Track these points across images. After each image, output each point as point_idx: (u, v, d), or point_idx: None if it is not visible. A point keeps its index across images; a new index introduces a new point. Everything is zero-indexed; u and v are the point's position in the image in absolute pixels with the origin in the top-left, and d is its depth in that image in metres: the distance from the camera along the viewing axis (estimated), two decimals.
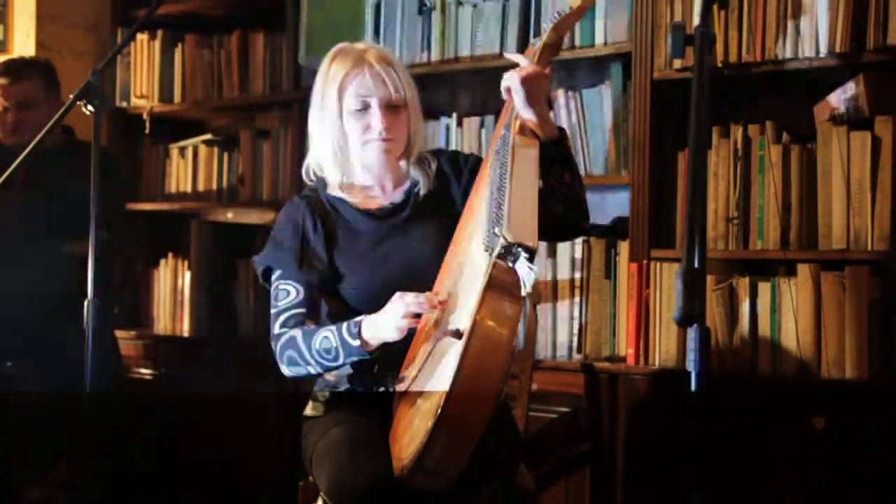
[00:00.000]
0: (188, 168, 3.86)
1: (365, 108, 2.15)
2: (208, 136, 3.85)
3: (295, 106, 3.54)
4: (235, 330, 3.65)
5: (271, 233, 2.27)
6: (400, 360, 2.09)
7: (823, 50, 2.55)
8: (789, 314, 2.56)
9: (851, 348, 2.49)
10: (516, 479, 2.10)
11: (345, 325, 2.06)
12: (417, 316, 1.97)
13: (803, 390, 2.52)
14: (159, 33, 3.86)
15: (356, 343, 2.03)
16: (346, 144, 2.18)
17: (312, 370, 2.14)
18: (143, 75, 3.89)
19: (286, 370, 2.16)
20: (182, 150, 3.89)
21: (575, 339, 2.94)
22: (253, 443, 3.41)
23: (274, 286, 2.21)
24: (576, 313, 2.94)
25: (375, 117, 2.15)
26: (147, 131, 3.86)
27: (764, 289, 2.62)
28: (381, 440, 2.02)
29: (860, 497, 2.42)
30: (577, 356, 2.92)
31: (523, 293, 1.77)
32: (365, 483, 1.93)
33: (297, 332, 2.12)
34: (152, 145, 3.95)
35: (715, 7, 2.67)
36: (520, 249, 1.77)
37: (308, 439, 2.21)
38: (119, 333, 3.57)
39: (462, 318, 1.82)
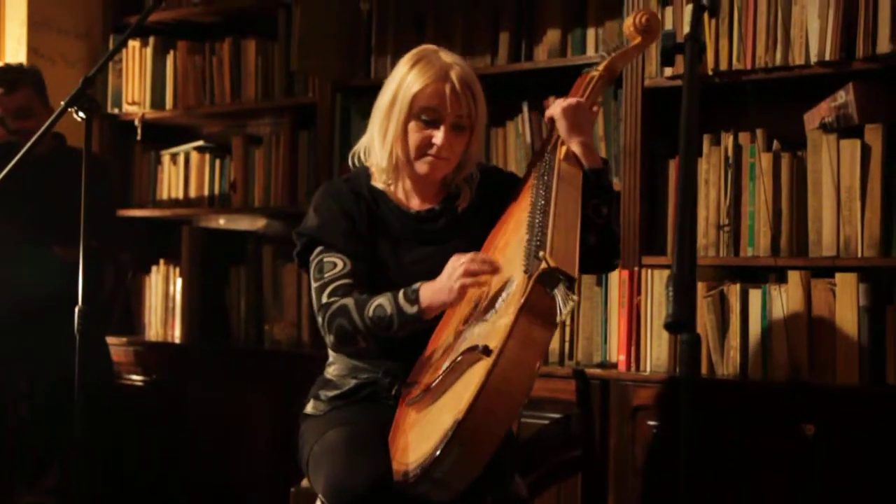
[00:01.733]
0: (180, 175, 3.86)
1: (432, 121, 2.13)
2: (200, 143, 3.85)
3: (287, 113, 3.54)
4: (227, 336, 3.65)
5: (312, 210, 2.22)
6: (407, 369, 2.10)
7: (814, 59, 2.56)
8: (780, 321, 2.57)
9: (841, 355, 2.50)
10: (509, 487, 2.11)
11: (401, 291, 2.03)
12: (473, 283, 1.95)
13: (793, 396, 2.53)
14: (151, 40, 3.86)
15: (414, 310, 2.00)
16: (401, 150, 2.16)
17: (362, 340, 2.09)
18: (135, 82, 3.89)
19: (332, 340, 2.10)
20: (174, 157, 3.89)
21: (567, 345, 2.94)
22: (244, 448, 3.40)
23: (318, 259, 2.16)
24: (567, 320, 2.94)
25: (439, 135, 2.12)
26: (139, 138, 3.86)
27: (755, 295, 2.63)
28: (380, 442, 2.00)
29: (850, 503, 2.42)
30: (568, 363, 2.93)
31: (558, 320, 1.76)
32: (364, 485, 1.92)
33: (348, 301, 2.07)
34: (144, 152, 3.95)
35: (706, 16, 2.67)
36: (560, 276, 1.75)
37: (305, 439, 2.19)
38: (110, 340, 3.56)
39: (490, 336, 1.82)
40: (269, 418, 3.32)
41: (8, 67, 3.42)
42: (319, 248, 2.17)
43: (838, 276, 2.52)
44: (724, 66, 2.67)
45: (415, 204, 2.24)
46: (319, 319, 2.11)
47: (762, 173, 2.63)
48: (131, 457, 3.55)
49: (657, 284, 2.73)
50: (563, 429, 2.79)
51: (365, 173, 2.26)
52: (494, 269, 1.95)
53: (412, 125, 2.13)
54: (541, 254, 1.80)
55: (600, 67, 2.23)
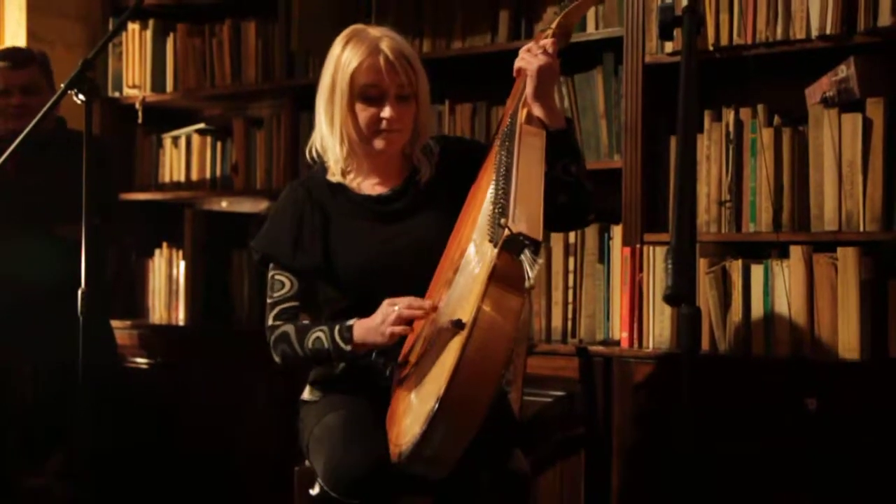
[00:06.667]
0: (182, 157, 3.86)
1: (376, 97, 2.14)
2: (201, 126, 3.85)
3: (288, 94, 3.53)
4: (231, 318, 3.66)
5: (268, 218, 2.27)
6: (398, 347, 2.10)
7: (815, 32, 2.55)
8: (782, 296, 2.57)
9: (843, 329, 2.50)
10: (511, 464, 2.11)
11: (337, 327, 2.08)
12: (409, 323, 1.99)
13: (796, 371, 2.53)
14: (150, 23, 3.85)
15: (348, 348, 2.07)
16: (353, 131, 2.17)
17: (304, 364, 2.20)
18: (136, 65, 3.88)
19: (278, 362, 2.19)
20: (175, 140, 3.89)
21: (569, 323, 2.95)
22: (249, 430, 3.41)
23: (270, 275, 2.23)
24: (570, 298, 2.95)
25: (386, 108, 2.13)
26: (140, 121, 3.86)
27: (757, 271, 2.62)
28: (378, 425, 2.02)
29: (853, 477, 2.43)
30: (571, 340, 2.93)
31: (527, 285, 1.76)
32: (361, 468, 1.94)
33: (290, 329, 2.14)
34: (145, 135, 3.95)
35: None
36: (525, 241, 1.76)
37: (304, 424, 2.22)
38: (114, 323, 3.57)
39: (463, 308, 1.82)
40: (272, 399, 3.33)
41: (15, 47, 3.48)
42: (272, 265, 2.23)
43: (840, 250, 2.51)
44: (724, 41, 2.66)
45: (377, 188, 2.24)
46: (267, 337, 2.19)
47: (763, 149, 2.62)
48: (136, 439, 3.56)
49: (659, 261, 2.73)
50: (566, 406, 2.80)
51: (322, 170, 2.26)
52: (426, 314, 1.97)
53: (358, 106, 2.15)
54: (502, 221, 1.80)
55: (553, 26, 2.20)
